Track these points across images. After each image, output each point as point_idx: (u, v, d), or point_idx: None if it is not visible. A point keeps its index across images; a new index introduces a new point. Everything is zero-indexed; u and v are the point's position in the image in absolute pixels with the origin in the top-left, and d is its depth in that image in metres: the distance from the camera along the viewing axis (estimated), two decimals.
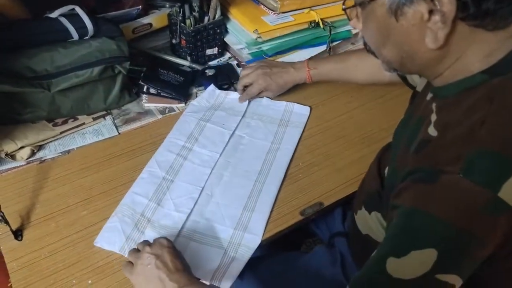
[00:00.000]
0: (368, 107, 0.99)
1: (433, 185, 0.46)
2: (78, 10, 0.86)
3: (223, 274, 0.68)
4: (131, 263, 0.64)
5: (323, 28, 1.10)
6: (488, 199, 0.43)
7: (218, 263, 0.69)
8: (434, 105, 0.55)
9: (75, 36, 0.86)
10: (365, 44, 0.58)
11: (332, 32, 1.11)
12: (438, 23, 0.45)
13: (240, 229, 0.73)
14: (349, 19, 0.57)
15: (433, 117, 0.53)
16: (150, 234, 0.71)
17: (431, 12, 0.45)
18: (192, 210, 0.75)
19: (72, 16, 0.86)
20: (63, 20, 0.85)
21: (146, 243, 0.65)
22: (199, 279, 0.64)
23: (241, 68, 1.09)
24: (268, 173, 0.83)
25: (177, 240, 0.71)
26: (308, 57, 1.02)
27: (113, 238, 0.70)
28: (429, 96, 0.58)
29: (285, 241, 0.89)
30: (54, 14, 0.86)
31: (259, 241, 0.72)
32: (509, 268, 0.51)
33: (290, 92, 1.01)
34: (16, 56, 0.81)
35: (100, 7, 1.01)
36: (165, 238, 0.65)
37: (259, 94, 0.97)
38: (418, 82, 0.76)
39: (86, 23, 0.86)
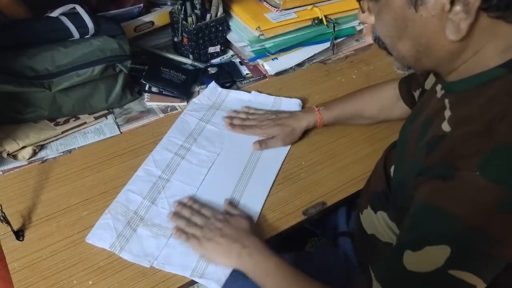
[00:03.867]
0: None
1: (449, 182, 0.45)
2: (79, 9, 0.86)
3: (203, 271, 0.67)
4: (193, 236, 0.69)
5: (326, 25, 1.09)
6: (503, 198, 0.42)
7: (197, 260, 0.68)
8: (447, 101, 0.53)
9: (76, 35, 0.86)
10: (376, 39, 0.56)
11: (335, 29, 1.10)
12: (460, 14, 0.44)
13: None
14: (362, 11, 0.56)
15: (447, 113, 0.52)
16: (142, 232, 0.71)
17: (452, 2, 0.44)
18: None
19: (73, 15, 0.86)
20: (64, 19, 0.85)
21: (199, 215, 0.71)
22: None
23: (243, 66, 1.08)
24: (254, 168, 0.82)
25: (157, 237, 0.71)
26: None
27: (104, 235, 0.70)
28: (441, 92, 0.57)
29: (289, 240, 0.88)
30: (55, 13, 0.86)
31: None
32: None
33: (291, 89, 1.01)
34: (17, 55, 0.80)
35: (101, 5, 1.00)
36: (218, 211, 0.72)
37: (268, 141, 0.87)
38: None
39: (87, 22, 0.86)
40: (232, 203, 0.76)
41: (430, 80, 0.66)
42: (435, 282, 0.46)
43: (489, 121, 0.45)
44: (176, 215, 0.73)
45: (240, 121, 0.91)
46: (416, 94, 0.78)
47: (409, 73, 0.63)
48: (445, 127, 0.50)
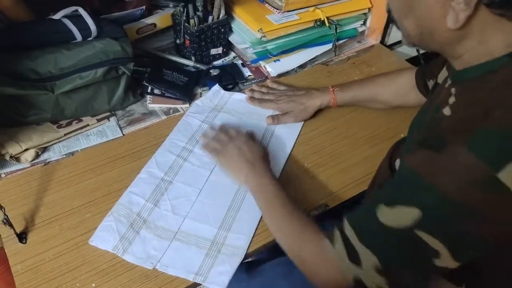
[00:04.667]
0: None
1: (437, 153, 0.47)
2: (81, 11, 0.86)
3: (206, 274, 0.67)
4: (214, 149, 0.81)
5: (328, 26, 1.09)
6: (486, 175, 0.43)
7: (200, 263, 0.68)
8: (453, 90, 0.55)
9: (79, 37, 0.86)
10: (389, 12, 0.58)
11: (338, 31, 1.10)
12: (461, 4, 0.46)
13: (224, 228, 0.73)
14: None
15: (451, 100, 0.53)
16: (145, 235, 0.71)
17: None
18: (189, 212, 0.75)
19: (75, 18, 0.86)
20: (67, 22, 0.85)
21: (225, 133, 0.84)
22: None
23: (246, 68, 1.08)
24: None
25: (160, 239, 0.71)
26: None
27: (107, 237, 0.70)
28: (449, 82, 0.58)
29: None
30: (57, 16, 0.86)
31: (246, 241, 0.71)
32: None
33: None
34: (20, 58, 0.80)
35: (104, 8, 1.01)
36: (243, 133, 0.84)
37: (280, 117, 0.92)
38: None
39: (90, 24, 0.86)
40: (253, 134, 0.88)
41: (443, 74, 0.66)
42: (400, 238, 0.49)
43: (488, 107, 0.46)
44: (206, 134, 0.86)
45: (260, 95, 0.97)
46: (430, 84, 0.79)
47: (423, 65, 0.67)
48: (446, 111, 0.52)
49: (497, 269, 0.55)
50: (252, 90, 0.98)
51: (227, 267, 0.68)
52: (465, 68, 0.53)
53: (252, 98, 0.96)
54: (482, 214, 0.45)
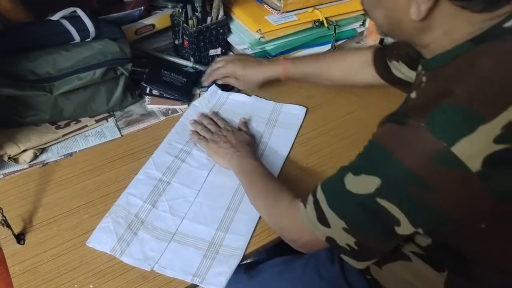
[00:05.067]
0: (373, 107, 0.97)
1: (398, 126, 0.50)
2: (80, 12, 0.86)
3: (203, 275, 0.67)
4: (204, 138, 0.86)
5: (327, 27, 1.09)
6: (439, 150, 0.45)
7: (198, 264, 0.68)
8: (424, 78, 0.57)
9: (77, 38, 0.86)
10: (362, 3, 0.60)
11: (336, 31, 1.10)
12: None
13: (222, 229, 0.73)
14: None
15: (421, 86, 0.57)
16: (143, 236, 0.71)
17: None
18: (187, 213, 0.75)
19: (73, 19, 0.86)
20: (65, 23, 0.85)
21: (215, 124, 0.89)
22: None
23: None
24: None
25: (158, 240, 0.71)
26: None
27: (104, 239, 0.70)
28: (420, 69, 0.61)
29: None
30: (55, 17, 0.86)
31: (244, 242, 0.71)
32: (494, 251, 0.54)
33: (292, 91, 1.00)
34: (19, 59, 0.80)
35: (102, 9, 1.00)
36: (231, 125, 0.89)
37: (226, 79, 0.96)
38: (406, 72, 0.79)
39: (88, 25, 0.86)
40: (246, 123, 0.91)
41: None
42: (363, 204, 0.53)
43: (447, 87, 0.48)
44: (196, 122, 0.90)
45: (211, 69, 0.98)
46: (393, 65, 0.82)
47: (388, 43, 0.69)
48: (413, 94, 0.56)
49: (488, 260, 0.56)
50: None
51: (225, 268, 0.67)
52: (432, 57, 0.56)
53: (207, 78, 0.98)
54: (435, 186, 0.47)
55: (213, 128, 0.88)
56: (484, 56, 0.49)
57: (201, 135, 0.87)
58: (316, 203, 0.59)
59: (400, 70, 0.81)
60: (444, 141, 0.45)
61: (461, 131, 0.45)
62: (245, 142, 0.84)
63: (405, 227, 0.52)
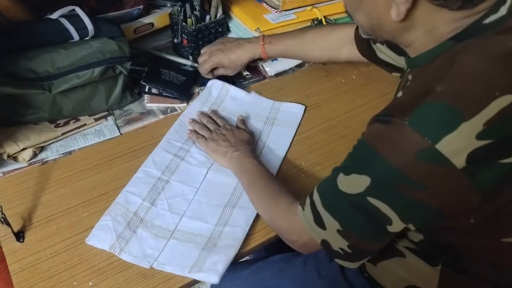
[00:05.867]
0: (372, 105, 0.98)
1: (383, 125, 0.51)
2: (79, 10, 0.86)
3: (201, 265, 0.67)
4: (202, 136, 0.86)
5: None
6: (424, 147, 0.46)
7: (196, 257, 0.68)
8: (409, 76, 0.58)
9: (76, 37, 0.86)
10: (345, 6, 0.62)
11: None
12: None
13: (221, 224, 0.73)
14: None
15: (407, 85, 0.58)
16: (142, 234, 0.71)
17: None
18: (186, 211, 0.75)
19: (72, 17, 0.86)
20: (64, 21, 0.85)
21: (213, 122, 0.89)
22: None
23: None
24: None
25: (157, 238, 0.71)
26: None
27: (104, 236, 0.70)
28: (406, 68, 0.62)
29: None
30: (54, 15, 0.86)
31: (242, 233, 0.71)
32: (483, 245, 0.55)
33: (291, 89, 1.00)
34: (17, 57, 0.80)
35: (101, 7, 1.01)
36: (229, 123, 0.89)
37: (215, 71, 0.98)
38: (391, 55, 0.81)
39: (87, 24, 0.86)
40: (244, 120, 0.91)
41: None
42: (355, 204, 0.53)
43: (430, 85, 0.49)
44: (195, 120, 0.90)
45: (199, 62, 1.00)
46: (377, 47, 0.83)
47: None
48: (399, 94, 0.57)
49: (478, 254, 0.56)
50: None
51: (222, 256, 0.68)
52: (417, 55, 0.57)
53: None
54: (423, 183, 0.48)
55: (212, 127, 0.88)
56: (464, 53, 0.49)
57: (199, 134, 0.87)
58: (313, 204, 0.59)
59: (384, 52, 0.82)
60: (428, 138, 0.45)
61: (444, 128, 0.45)
62: (244, 140, 0.83)
63: (396, 225, 0.53)
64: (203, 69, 0.99)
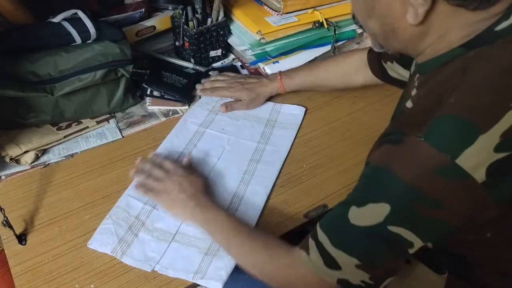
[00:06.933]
0: (373, 108, 0.98)
1: (396, 146, 0.49)
2: (81, 14, 0.86)
3: (204, 271, 0.67)
4: (150, 189, 0.74)
5: (327, 28, 1.09)
6: (443, 163, 0.44)
7: (199, 262, 0.68)
8: (416, 82, 0.57)
9: (78, 40, 0.86)
10: (353, 16, 0.60)
11: (336, 32, 1.10)
12: (419, 0, 0.47)
13: None
14: None
15: (413, 92, 0.56)
16: (144, 237, 0.71)
17: None
18: None
19: (74, 20, 0.86)
20: (66, 24, 0.85)
21: (160, 168, 0.76)
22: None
23: (245, 70, 1.08)
24: (254, 171, 0.82)
25: (158, 241, 0.71)
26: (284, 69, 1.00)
27: (105, 240, 0.70)
28: (413, 71, 0.61)
29: (290, 243, 0.88)
30: (57, 19, 0.86)
31: None
32: (495, 256, 0.54)
33: (293, 92, 1.00)
34: (20, 60, 0.81)
35: (103, 10, 1.01)
36: (179, 166, 0.77)
37: (232, 105, 0.95)
38: (402, 72, 0.80)
39: (89, 27, 0.86)
40: (190, 162, 0.81)
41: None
42: (374, 235, 0.50)
43: (440, 96, 0.47)
44: (138, 170, 0.77)
45: (211, 84, 0.98)
46: (388, 66, 0.83)
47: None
48: (408, 104, 0.55)
49: (490, 264, 0.56)
50: (202, 84, 0.98)
51: (225, 262, 0.68)
52: (425, 61, 0.55)
53: (204, 89, 0.97)
54: (442, 199, 0.47)
55: (160, 174, 0.75)
56: (475, 62, 0.48)
57: (148, 186, 0.74)
58: (319, 246, 0.55)
59: (395, 70, 0.82)
60: (447, 154, 0.44)
61: (462, 142, 0.44)
62: (201, 188, 0.74)
63: (417, 246, 0.51)
64: (218, 94, 0.97)
